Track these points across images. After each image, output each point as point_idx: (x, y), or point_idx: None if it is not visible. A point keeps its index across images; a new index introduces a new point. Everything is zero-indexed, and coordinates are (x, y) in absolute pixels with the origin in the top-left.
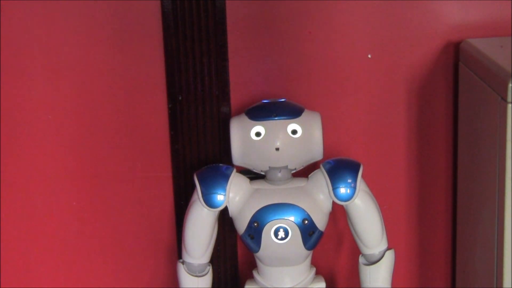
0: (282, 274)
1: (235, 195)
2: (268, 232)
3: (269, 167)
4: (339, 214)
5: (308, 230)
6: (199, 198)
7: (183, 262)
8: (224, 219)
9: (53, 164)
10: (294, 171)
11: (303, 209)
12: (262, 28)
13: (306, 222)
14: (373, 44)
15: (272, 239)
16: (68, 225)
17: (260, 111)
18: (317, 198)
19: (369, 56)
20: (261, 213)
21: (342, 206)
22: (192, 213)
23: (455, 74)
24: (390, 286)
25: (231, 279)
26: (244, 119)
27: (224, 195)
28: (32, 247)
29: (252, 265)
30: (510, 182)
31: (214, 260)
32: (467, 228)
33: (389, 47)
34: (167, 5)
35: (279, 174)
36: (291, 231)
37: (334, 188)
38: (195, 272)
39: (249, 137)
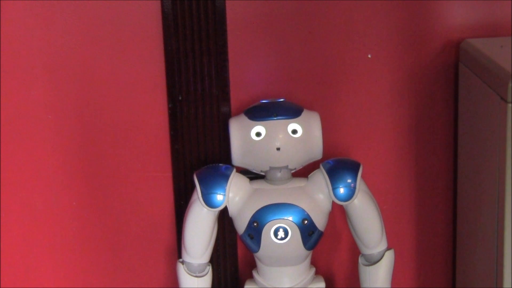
0: (281, 274)
1: (234, 195)
2: (268, 232)
3: (270, 167)
4: (339, 214)
5: (307, 230)
6: (198, 198)
7: (182, 262)
8: (224, 219)
9: (53, 164)
10: (293, 171)
11: (303, 209)
12: (262, 28)
13: (306, 222)
14: (373, 44)
15: (272, 239)
16: (68, 225)
17: (260, 111)
18: (317, 198)
19: (369, 56)
20: (260, 213)
21: (341, 206)
22: (192, 213)
23: (455, 74)
24: (389, 286)
25: (231, 279)
26: (243, 119)
27: (224, 195)
28: (32, 247)
29: (252, 265)
30: (510, 182)
31: (214, 260)
32: (467, 228)
33: (389, 47)
34: (167, 5)
35: (279, 174)
36: (291, 231)
37: (334, 188)
38: (195, 272)
39: (249, 137)
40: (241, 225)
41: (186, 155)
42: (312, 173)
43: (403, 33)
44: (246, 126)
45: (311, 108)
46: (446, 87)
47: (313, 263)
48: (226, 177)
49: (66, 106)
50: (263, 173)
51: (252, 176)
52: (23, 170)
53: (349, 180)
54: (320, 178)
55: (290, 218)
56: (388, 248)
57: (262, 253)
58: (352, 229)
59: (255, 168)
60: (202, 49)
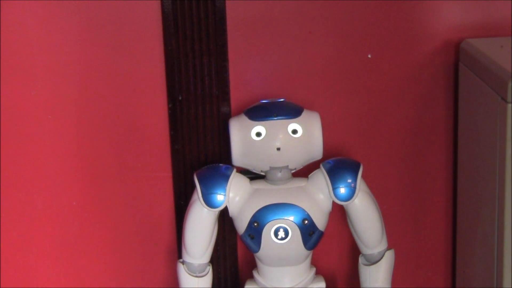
0: (282, 274)
1: (235, 195)
2: (268, 232)
3: (270, 167)
4: (339, 214)
5: (308, 230)
6: (199, 198)
7: (183, 262)
8: (224, 219)
9: (53, 164)
10: (294, 171)
11: (303, 209)
12: (262, 28)
13: (306, 222)
14: (373, 44)
15: (272, 239)
16: (68, 225)
17: (260, 111)
18: (317, 198)
19: (369, 56)
20: (261, 213)
21: (342, 206)
22: (192, 213)
23: (455, 74)
24: (390, 286)
25: (231, 279)
26: (244, 119)
27: (224, 195)
28: (32, 247)
29: (252, 265)
30: (510, 182)
31: (214, 260)
32: (467, 228)
33: (389, 47)
34: (167, 5)
35: (280, 174)
36: (291, 231)
37: (334, 188)
38: (195, 272)
39: (249, 137)
40: (241, 225)
41: (186, 155)
42: (312, 173)
43: (403, 33)
44: (246, 126)
45: (311, 108)
46: (446, 87)
47: (314, 263)
48: (226, 177)
49: (66, 106)
50: (263, 173)
51: (252, 176)
52: (23, 170)
53: (349, 180)
54: (320, 178)
55: (291, 218)
56: (388, 248)
57: (263, 253)
58: (352, 229)
59: (255, 168)
60: (202, 49)
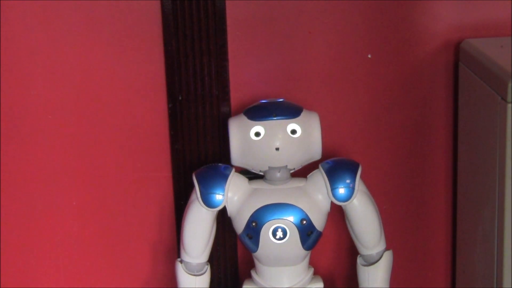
0: (280, 274)
1: (233, 195)
2: (267, 232)
3: (269, 167)
4: (337, 215)
5: (306, 230)
6: (197, 198)
7: (181, 261)
8: (224, 219)
9: (53, 164)
10: (292, 171)
11: (302, 209)
12: (262, 28)
13: (305, 222)
14: (373, 44)
15: (270, 239)
16: (68, 225)
17: (259, 111)
18: (316, 198)
19: (369, 56)
20: (259, 213)
21: (340, 206)
22: (191, 212)
23: (455, 74)
24: (388, 287)
25: (230, 279)
26: (243, 119)
27: (223, 195)
28: (32, 247)
29: (251, 265)
30: (510, 182)
31: (214, 260)
32: (467, 228)
33: (389, 47)
34: (167, 5)
35: (278, 174)
36: (290, 231)
37: (333, 189)
38: (193, 271)
39: (248, 137)
40: (239, 225)
41: (186, 155)
42: (311, 173)
43: (403, 33)
44: (246, 126)
45: (311, 108)
46: (446, 87)
47: (312, 263)
48: (225, 177)
49: (66, 106)
50: (262, 173)
51: (251, 176)
52: (23, 170)
53: (348, 181)
54: (319, 178)
55: (289, 218)
56: (386, 249)
57: (261, 253)
58: (350, 230)
59: (254, 168)
60: (202, 49)
